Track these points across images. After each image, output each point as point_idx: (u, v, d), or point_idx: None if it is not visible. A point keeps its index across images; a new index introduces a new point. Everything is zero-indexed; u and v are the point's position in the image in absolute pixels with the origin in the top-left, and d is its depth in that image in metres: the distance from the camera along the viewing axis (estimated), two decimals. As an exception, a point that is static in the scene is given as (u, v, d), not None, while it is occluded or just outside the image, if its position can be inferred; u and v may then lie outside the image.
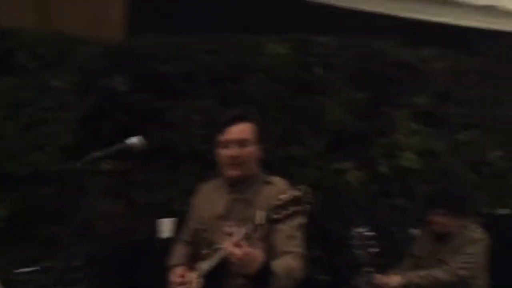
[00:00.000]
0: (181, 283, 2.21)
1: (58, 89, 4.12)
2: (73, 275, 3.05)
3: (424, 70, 4.64)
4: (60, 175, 3.70)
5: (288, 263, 2.06)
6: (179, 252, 2.43)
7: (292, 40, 4.42)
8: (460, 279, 3.19)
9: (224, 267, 2.06)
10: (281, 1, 5.05)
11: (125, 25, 4.95)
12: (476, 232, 3.34)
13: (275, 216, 1.88)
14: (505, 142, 4.67)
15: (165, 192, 3.87)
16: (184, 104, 4.15)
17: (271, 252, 2.07)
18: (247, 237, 1.90)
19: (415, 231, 3.52)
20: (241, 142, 2.25)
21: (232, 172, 2.26)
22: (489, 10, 3.93)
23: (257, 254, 1.90)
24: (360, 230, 2.95)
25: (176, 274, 2.25)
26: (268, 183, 2.28)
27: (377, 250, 2.97)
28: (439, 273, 3.17)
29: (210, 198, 2.37)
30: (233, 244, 1.88)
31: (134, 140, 2.19)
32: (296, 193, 1.89)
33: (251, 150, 2.27)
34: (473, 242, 3.28)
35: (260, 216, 1.89)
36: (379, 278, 3.16)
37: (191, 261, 2.31)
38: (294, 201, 1.89)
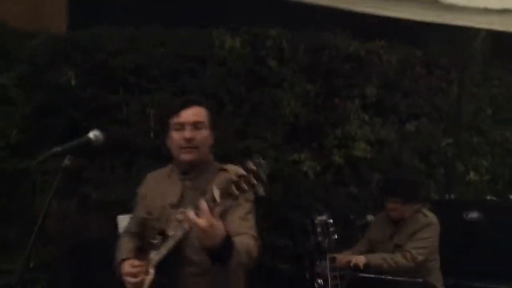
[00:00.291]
0: (134, 274, 2.16)
1: (3, 84, 3.94)
2: (30, 276, 2.93)
3: (373, 62, 4.75)
4: (10, 174, 3.54)
5: (246, 241, 2.04)
6: (126, 246, 2.35)
7: (245, 33, 4.42)
8: (418, 264, 3.32)
9: (176, 256, 2.04)
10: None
11: (66, 17, 4.80)
12: (429, 217, 3.49)
13: (230, 191, 1.80)
14: (452, 131, 4.87)
15: (121, 189, 3.78)
16: (138, 98, 4.07)
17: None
18: (210, 209, 1.84)
19: (370, 217, 3.63)
20: (196, 125, 2.19)
21: (187, 156, 2.19)
22: (433, 3, 4.06)
23: (220, 225, 1.87)
24: (322, 218, 3.00)
25: (128, 265, 2.20)
26: (223, 170, 2.22)
27: (337, 236, 3.03)
28: (399, 259, 3.30)
29: (160, 187, 2.30)
30: (196, 215, 1.84)
31: (95, 133, 2.12)
32: (249, 165, 1.83)
33: (206, 134, 2.22)
34: (427, 226, 3.44)
35: (215, 192, 1.83)
36: (344, 257, 3.24)
37: (139, 253, 2.25)
38: (247, 176, 1.79)
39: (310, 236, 3.11)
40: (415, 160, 4.72)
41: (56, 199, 3.80)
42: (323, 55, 4.62)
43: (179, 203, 2.18)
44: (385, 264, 3.26)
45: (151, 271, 2.10)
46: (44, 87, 4.01)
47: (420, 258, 3.32)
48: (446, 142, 4.78)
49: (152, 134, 3.93)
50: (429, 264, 3.42)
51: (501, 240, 3.74)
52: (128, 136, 3.98)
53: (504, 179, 5.00)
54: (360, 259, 3.27)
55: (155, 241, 2.14)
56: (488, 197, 4.30)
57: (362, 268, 3.24)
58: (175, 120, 2.21)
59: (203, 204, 1.83)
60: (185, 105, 2.22)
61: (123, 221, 3.47)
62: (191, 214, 1.87)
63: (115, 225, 3.39)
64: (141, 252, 2.25)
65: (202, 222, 1.82)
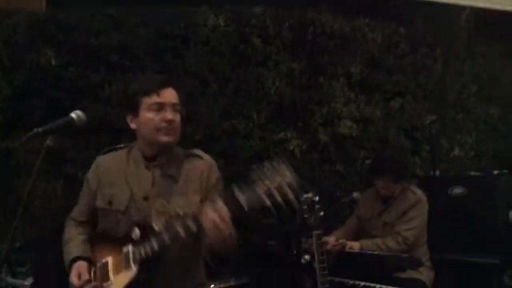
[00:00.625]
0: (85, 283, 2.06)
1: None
2: (16, 256, 2.90)
3: (358, 39, 4.73)
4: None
5: None
6: (77, 239, 2.21)
7: (229, 11, 4.37)
8: (409, 246, 3.37)
9: (161, 255, 1.96)
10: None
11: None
12: (417, 194, 3.51)
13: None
14: (436, 108, 4.88)
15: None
16: (121, 78, 4.01)
17: None
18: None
19: (356, 194, 3.64)
20: (175, 106, 2.11)
21: (166, 138, 2.09)
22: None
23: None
24: (309, 195, 2.99)
25: (76, 273, 2.09)
26: (196, 156, 2.18)
27: (323, 214, 3.03)
28: (391, 243, 3.34)
29: (121, 175, 2.16)
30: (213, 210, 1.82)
31: (77, 113, 2.09)
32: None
33: (180, 118, 2.15)
34: (416, 204, 3.47)
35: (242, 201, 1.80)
36: (337, 243, 3.26)
37: (92, 246, 2.18)
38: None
39: (297, 214, 3.10)
40: (400, 138, 4.73)
41: (42, 180, 3.77)
42: (307, 32, 4.58)
43: (152, 194, 2.10)
44: (377, 250, 3.30)
45: (133, 267, 2.00)
46: (24, 68, 3.94)
47: (411, 239, 3.37)
48: (431, 119, 4.79)
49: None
50: (418, 240, 3.45)
51: (485, 215, 3.79)
52: (111, 115, 3.94)
53: (488, 155, 5.05)
54: (354, 245, 3.31)
55: (135, 236, 2.02)
56: (472, 173, 4.33)
57: None
58: (152, 99, 2.08)
59: (224, 210, 1.81)
60: (164, 85, 2.12)
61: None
62: (207, 208, 1.83)
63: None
64: (94, 242, 2.18)
65: (224, 227, 1.81)
